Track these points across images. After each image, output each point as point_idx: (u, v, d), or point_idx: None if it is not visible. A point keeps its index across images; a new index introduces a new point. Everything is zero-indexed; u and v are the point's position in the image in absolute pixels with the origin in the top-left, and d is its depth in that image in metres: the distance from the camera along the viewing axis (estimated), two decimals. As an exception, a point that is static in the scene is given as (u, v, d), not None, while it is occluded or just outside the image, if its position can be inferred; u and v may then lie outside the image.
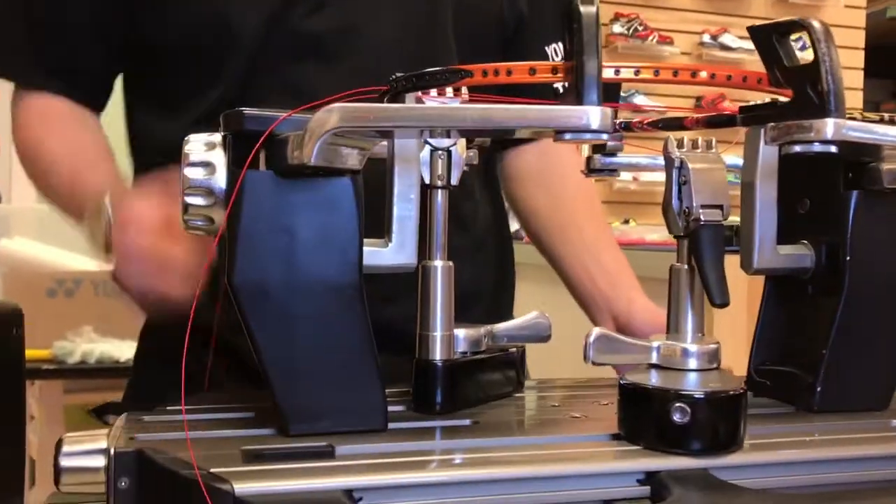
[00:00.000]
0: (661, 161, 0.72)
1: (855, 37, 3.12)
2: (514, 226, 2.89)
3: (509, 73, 0.49)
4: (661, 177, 0.73)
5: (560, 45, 0.95)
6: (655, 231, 2.29)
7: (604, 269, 0.89)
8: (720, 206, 0.54)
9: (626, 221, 2.93)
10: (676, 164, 0.55)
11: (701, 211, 0.53)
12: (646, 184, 2.97)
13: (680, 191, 0.55)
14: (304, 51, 0.81)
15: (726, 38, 2.90)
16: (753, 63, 2.97)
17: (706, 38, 2.91)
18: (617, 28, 2.84)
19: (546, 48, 0.96)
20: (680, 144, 0.56)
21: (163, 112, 0.85)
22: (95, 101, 0.89)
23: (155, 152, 0.78)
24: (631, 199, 3.01)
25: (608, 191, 3.01)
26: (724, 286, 0.53)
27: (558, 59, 0.96)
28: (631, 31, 2.82)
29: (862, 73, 3.19)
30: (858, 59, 3.17)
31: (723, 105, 2.76)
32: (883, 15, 3.18)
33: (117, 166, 0.85)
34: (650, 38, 2.83)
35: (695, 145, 0.56)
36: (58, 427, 2.04)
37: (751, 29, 0.52)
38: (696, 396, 0.49)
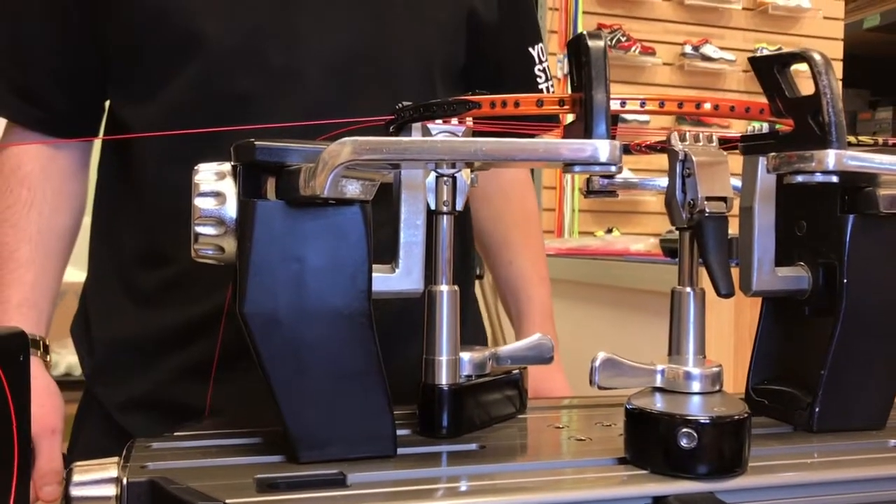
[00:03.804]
0: (656, 181, 0.73)
1: (833, 48, 3.15)
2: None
3: (517, 104, 0.50)
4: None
5: (539, 45, 0.99)
6: (640, 241, 2.31)
7: (524, 295, 1.02)
8: (724, 199, 0.54)
9: (610, 231, 2.95)
10: (680, 156, 0.55)
11: (706, 203, 0.54)
12: (629, 193, 2.99)
13: (684, 183, 0.55)
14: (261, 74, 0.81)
15: (707, 49, 2.92)
16: (733, 73, 3.01)
17: (688, 48, 2.94)
18: (599, 39, 2.85)
19: (530, 49, 0.98)
20: (682, 138, 0.56)
21: (131, 100, 0.84)
22: (72, 128, 0.87)
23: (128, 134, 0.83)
24: (614, 209, 3.03)
25: (592, 200, 3.02)
26: (729, 277, 0.53)
27: (545, 58, 1.00)
28: (614, 41, 2.84)
29: (840, 83, 3.23)
30: (837, 69, 3.20)
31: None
32: (860, 26, 3.22)
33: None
34: (633, 48, 2.85)
35: (696, 139, 0.56)
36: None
37: (752, 60, 0.53)
38: (703, 421, 0.50)
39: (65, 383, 0.94)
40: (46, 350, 0.86)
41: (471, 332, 0.96)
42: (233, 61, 0.80)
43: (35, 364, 0.83)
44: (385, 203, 0.57)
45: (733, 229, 0.59)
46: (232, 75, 0.80)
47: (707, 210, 0.53)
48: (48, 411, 0.83)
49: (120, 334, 0.88)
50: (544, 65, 1.00)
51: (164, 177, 0.82)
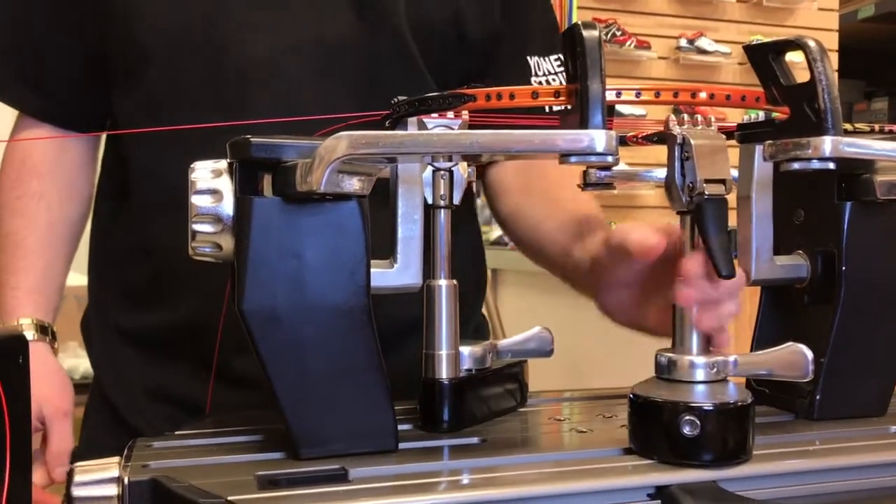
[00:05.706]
0: (654, 173, 0.73)
1: (828, 39, 3.15)
2: (496, 232, 2.90)
3: (512, 97, 0.50)
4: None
5: (541, 58, 0.93)
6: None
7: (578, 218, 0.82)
8: (723, 181, 0.54)
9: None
10: (679, 140, 0.54)
11: (705, 185, 0.53)
12: (627, 187, 2.99)
13: (682, 167, 0.55)
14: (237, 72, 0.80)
15: (703, 42, 2.92)
16: (729, 66, 3.00)
17: (683, 42, 2.93)
18: (594, 34, 2.84)
19: (528, 58, 0.92)
20: (680, 122, 0.56)
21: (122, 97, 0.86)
22: (81, 122, 0.89)
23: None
24: (612, 203, 3.03)
25: (589, 194, 3.01)
26: (730, 258, 0.53)
27: (540, 72, 0.94)
28: (609, 36, 2.83)
29: (836, 74, 3.22)
30: (832, 61, 3.20)
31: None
32: (854, 17, 3.22)
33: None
34: (628, 42, 2.85)
35: (694, 122, 0.56)
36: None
37: (747, 48, 0.53)
38: (706, 409, 0.50)
39: (83, 386, 0.95)
40: (54, 336, 0.87)
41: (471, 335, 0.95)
42: (207, 55, 0.79)
43: (44, 350, 0.85)
44: (382, 198, 0.57)
45: (732, 221, 0.59)
46: (207, 69, 0.80)
47: (706, 193, 0.53)
48: (58, 394, 0.84)
49: (120, 330, 0.88)
50: (543, 77, 0.92)
51: (150, 172, 0.83)
